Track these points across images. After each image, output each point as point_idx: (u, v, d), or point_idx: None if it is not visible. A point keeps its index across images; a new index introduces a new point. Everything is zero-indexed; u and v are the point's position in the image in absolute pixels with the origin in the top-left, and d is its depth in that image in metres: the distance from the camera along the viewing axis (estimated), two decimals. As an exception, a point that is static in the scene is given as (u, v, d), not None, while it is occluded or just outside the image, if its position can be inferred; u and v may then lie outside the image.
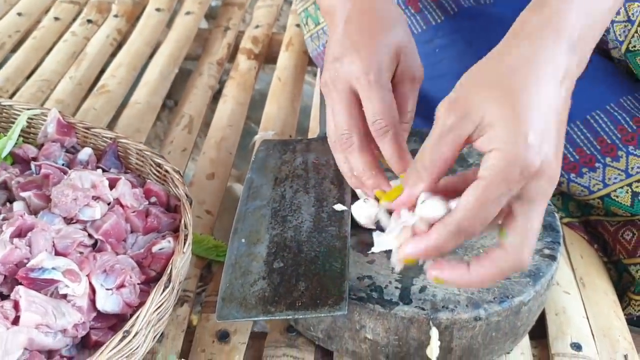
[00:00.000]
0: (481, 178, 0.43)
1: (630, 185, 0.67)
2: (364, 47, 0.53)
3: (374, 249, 0.58)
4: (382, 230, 0.58)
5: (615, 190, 0.67)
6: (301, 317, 0.53)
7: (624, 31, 0.66)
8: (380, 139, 0.53)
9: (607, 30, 0.68)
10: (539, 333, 0.64)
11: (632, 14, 0.66)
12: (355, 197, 0.64)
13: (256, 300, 0.53)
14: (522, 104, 0.43)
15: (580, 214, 0.75)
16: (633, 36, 0.66)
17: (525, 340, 0.62)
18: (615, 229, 0.71)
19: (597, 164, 0.68)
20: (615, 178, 0.67)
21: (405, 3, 0.75)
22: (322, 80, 0.56)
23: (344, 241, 0.57)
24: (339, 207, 0.60)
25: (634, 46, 0.67)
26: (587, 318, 0.66)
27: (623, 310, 0.71)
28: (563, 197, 0.75)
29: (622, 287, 0.73)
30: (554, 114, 0.44)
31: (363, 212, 0.59)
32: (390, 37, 0.54)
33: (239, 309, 0.53)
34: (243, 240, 0.59)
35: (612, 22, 0.67)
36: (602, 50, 0.71)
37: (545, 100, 0.44)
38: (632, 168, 0.67)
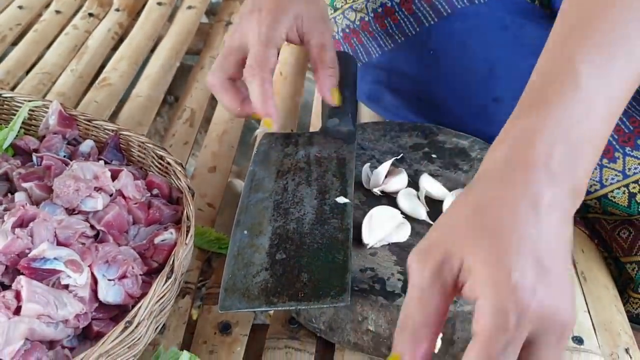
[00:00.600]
0: (476, 335, 0.38)
1: (627, 186, 0.67)
2: (266, 6, 0.61)
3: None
4: None
5: (612, 191, 0.67)
6: (304, 307, 0.53)
7: None
8: (248, 83, 0.60)
9: None
10: (541, 327, 0.64)
11: None
12: (358, 190, 0.64)
13: (259, 291, 0.53)
14: (502, 244, 0.38)
15: (580, 209, 0.75)
16: None
17: (527, 334, 0.62)
18: (612, 227, 0.71)
19: None
20: (613, 179, 0.67)
21: (399, 5, 0.75)
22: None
23: (346, 233, 0.57)
24: (341, 199, 0.60)
25: None
26: (589, 312, 0.66)
27: (623, 306, 0.71)
28: None
29: (623, 283, 0.73)
30: (546, 252, 0.39)
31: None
32: (291, 4, 0.62)
33: (241, 300, 0.53)
34: (245, 232, 0.59)
35: None
36: None
37: (530, 238, 0.38)
38: (629, 169, 0.66)
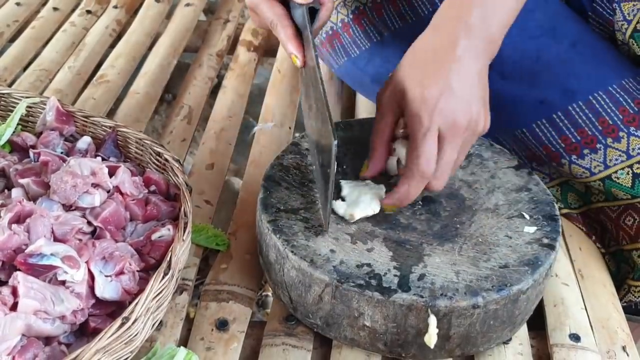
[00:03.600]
0: (410, 135, 0.58)
1: (631, 166, 0.68)
2: None
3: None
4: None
5: (616, 172, 0.68)
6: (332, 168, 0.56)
7: (632, 10, 0.66)
8: (276, 33, 0.64)
9: (613, 10, 0.69)
10: (538, 324, 0.64)
11: None
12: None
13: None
14: (424, 73, 0.57)
15: (580, 204, 0.75)
16: None
17: (524, 331, 0.62)
18: (617, 215, 0.71)
19: (598, 145, 0.68)
20: (616, 159, 0.68)
21: None
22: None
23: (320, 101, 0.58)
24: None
25: None
26: (586, 309, 0.66)
27: (622, 298, 0.71)
28: (562, 188, 0.75)
29: (621, 278, 0.73)
30: (455, 79, 0.57)
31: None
32: None
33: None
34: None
35: (620, 1, 0.68)
36: (606, 32, 0.72)
37: (444, 69, 0.57)
38: (633, 149, 0.67)
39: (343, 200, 0.63)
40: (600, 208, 0.73)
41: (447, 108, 0.56)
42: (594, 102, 0.68)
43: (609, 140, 0.68)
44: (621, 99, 0.68)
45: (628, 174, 0.68)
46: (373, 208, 0.61)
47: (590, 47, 0.70)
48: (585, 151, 0.69)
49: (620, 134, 0.67)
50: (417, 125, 0.56)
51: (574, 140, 0.69)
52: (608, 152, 0.68)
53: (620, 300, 0.70)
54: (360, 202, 0.61)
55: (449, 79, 0.56)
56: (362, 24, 0.79)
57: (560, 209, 0.75)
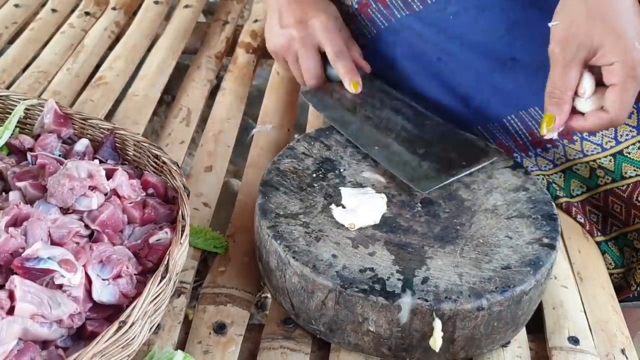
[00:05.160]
0: (614, 84, 0.60)
1: None
2: (320, 12, 0.76)
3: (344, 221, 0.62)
4: None
5: (627, 147, 0.69)
6: (474, 169, 0.66)
7: None
8: (337, 64, 0.76)
9: None
10: (537, 327, 0.64)
11: None
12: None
13: (434, 172, 0.66)
14: (617, 30, 0.59)
15: (583, 191, 0.75)
16: None
17: (523, 334, 0.62)
18: (629, 194, 0.72)
19: None
20: (627, 135, 0.69)
21: None
22: (274, 43, 0.79)
23: (448, 126, 0.72)
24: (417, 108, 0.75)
25: None
26: (585, 312, 0.66)
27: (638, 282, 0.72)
28: (565, 174, 0.75)
29: (626, 263, 0.73)
30: (638, 23, 0.60)
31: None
32: (331, 8, 0.79)
33: (430, 181, 0.65)
34: (376, 147, 0.69)
35: None
36: None
37: (627, 18, 0.60)
38: None
39: (343, 207, 0.62)
40: (609, 190, 0.73)
41: None
42: None
43: None
44: None
45: (639, 148, 0.68)
46: (374, 217, 0.61)
47: None
48: None
49: (631, 110, 0.68)
50: (626, 77, 0.59)
51: None
52: (619, 128, 0.69)
53: (638, 286, 0.71)
54: (361, 210, 0.61)
55: (631, 24, 0.60)
56: (368, 12, 0.79)
57: (560, 197, 0.75)
